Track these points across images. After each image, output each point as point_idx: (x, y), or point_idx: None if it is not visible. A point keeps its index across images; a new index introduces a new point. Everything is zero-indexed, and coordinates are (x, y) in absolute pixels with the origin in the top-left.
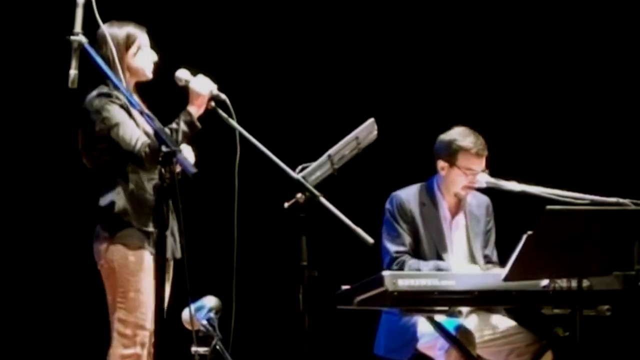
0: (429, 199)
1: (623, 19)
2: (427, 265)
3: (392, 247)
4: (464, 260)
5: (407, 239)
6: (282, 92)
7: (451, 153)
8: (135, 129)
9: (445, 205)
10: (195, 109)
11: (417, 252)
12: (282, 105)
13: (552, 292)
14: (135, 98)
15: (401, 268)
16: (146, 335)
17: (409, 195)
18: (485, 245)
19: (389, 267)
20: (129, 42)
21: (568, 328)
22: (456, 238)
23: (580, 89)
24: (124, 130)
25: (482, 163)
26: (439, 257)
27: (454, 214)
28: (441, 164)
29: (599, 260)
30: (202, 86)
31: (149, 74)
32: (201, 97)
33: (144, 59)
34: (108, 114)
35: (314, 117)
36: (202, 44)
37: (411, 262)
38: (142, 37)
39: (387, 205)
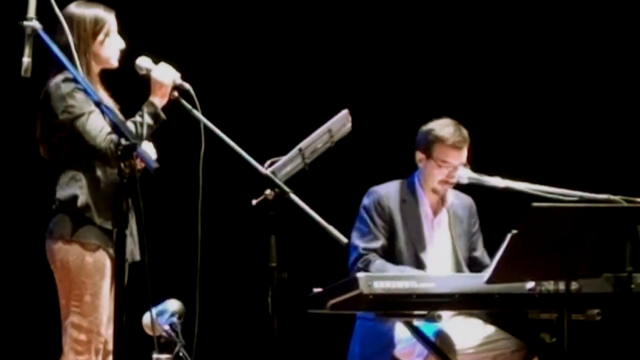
0: (410, 195)
1: (602, 11)
2: (394, 269)
3: (360, 244)
4: (447, 260)
5: (379, 237)
6: (251, 81)
7: (428, 144)
8: (102, 122)
9: (427, 202)
10: (158, 100)
11: (393, 251)
12: (250, 96)
13: (539, 295)
14: (99, 88)
15: (366, 267)
16: (101, 341)
17: (389, 191)
18: (473, 248)
19: (354, 264)
20: (97, 27)
21: (555, 333)
22: (438, 237)
23: (569, 82)
24: (91, 123)
25: (459, 156)
26: (417, 257)
27: (435, 211)
28: (419, 155)
29: (588, 261)
30: (164, 75)
31: (114, 62)
32: (164, 86)
33: (111, 47)
34: (74, 102)
35: (285, 108)
36: (165, 29)
37: (378, 262)
38: (111, 22)
39: (365, 201)
